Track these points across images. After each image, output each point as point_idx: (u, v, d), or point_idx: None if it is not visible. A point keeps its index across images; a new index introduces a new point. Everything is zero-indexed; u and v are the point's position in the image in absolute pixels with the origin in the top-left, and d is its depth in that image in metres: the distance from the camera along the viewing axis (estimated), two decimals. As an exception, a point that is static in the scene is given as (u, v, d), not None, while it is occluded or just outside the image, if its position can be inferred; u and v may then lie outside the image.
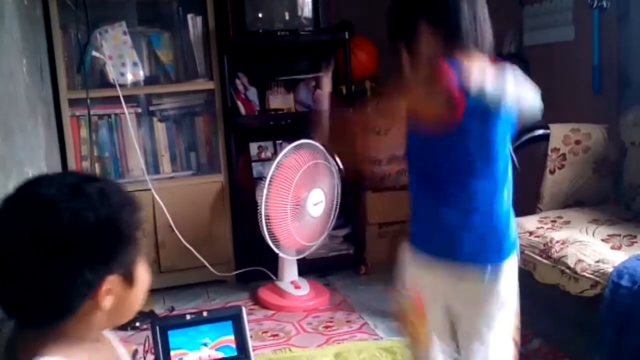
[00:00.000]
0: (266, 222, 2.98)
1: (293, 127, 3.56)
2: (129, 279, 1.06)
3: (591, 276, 2.09)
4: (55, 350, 1.01)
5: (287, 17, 3.31)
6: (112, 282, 1.01)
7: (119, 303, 1.05)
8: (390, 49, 1.65)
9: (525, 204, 2.61)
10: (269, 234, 3.01)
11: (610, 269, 2.05)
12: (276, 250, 3.08)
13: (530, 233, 2.45)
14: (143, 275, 1.10)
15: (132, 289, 1.07)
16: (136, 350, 2.95)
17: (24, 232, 0.96)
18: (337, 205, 3.21)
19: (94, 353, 1.07)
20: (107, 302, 1.02)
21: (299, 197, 3.02)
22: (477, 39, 1.54)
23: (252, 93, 3.48)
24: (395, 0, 1.64)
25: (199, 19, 3.31)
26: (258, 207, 2.97)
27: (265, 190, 2.96)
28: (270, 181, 2.97)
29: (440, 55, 1.52)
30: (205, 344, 2.22)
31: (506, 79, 1.47)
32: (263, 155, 3.54)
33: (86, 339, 1.07)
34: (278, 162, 2.99)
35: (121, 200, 1.05)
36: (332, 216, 3.21)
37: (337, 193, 3.20)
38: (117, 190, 1.06)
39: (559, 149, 2.74)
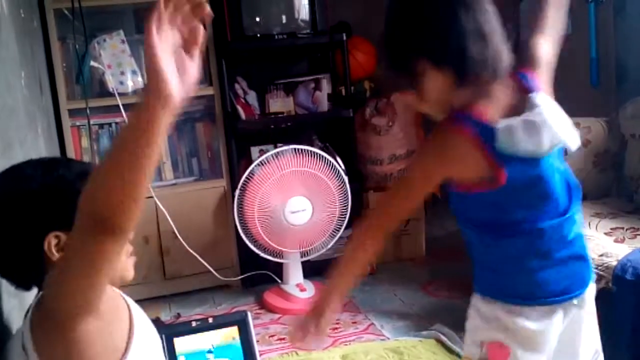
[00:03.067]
0: (243, 228, 3.06)
1: (293, 129, 3.57)
2: None
3: (595, 270, 2.09)
4: None
5: (284, 21, 3.32)
6: (59, 239, 1.16)
7: None
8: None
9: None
10: (249, 238, 3.08)
11: (614, 263, 2.05)
12: (260, 253, 3.12)
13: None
14: None
15: None
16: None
17: None
18: (339, 211, 3.13)
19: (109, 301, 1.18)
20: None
21: (274, 204, 3.03)
22: (493, 64, 1.27)
23: (252, 97, 3.48)
24: (387, 34, 1.34)
25: (196, 25, 3.30)
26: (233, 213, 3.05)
27: (236, 197, 3.02)
28: (243, 188, 3.02)
29: (452, 97, 1.29)
30: (211, 351, 2.23)
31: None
32: (264, 159, 3.55)
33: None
34: (251, 170, 3.02)
35: (70, 168, 1.23)
36: (332, 222, 3.14)
37: (338, 199, 3.11)
38: (64, 162, 1.29)
39: (559, 144, 2.73)
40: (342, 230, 3.17)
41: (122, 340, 1.20)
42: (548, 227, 1.34)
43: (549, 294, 1.36)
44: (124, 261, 1.26)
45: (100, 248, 0.98)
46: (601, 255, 2.12)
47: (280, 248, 3.10)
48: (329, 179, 3.08)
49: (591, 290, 1.44)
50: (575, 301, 1.39)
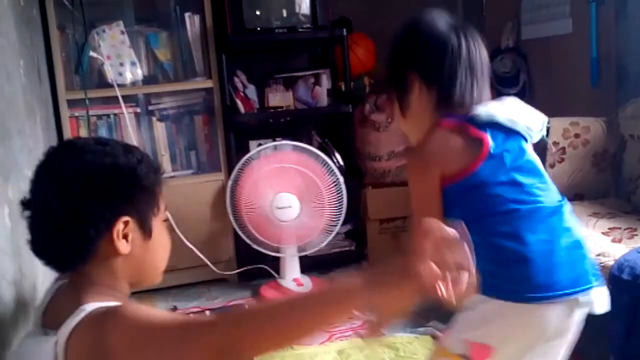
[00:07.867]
0: (236, 221, 3.13)
1: (292, 124, 3.56)
2: (145, 229, 1.13)
3: (591, 270, 2.09)
4: (91, 298, 1.05)
5: (284, 14, 3.31)
6: (126, 225, 1.09)
7: (136, 253, 1.12)
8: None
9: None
10: (243, 232, 3.13)
11: (611, 262, 2.05)
12: (257, 247, 3.15)
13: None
14: (161, 234, 1.19)
15: (149, 241, 1.15)
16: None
17: (51, 172, 1.11)
18: (334, 208, 3.10)
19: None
20: (122, 245, 1.09)
21: (263, 199, 3.05)
22: (473, 96, 1.39)
23: (251, 91, 3.47)
24: (392, 46, 1.48)
25: (196, 18, 3.30)
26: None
27: (229, 190, 3.09)
28: (236, 181, 3.09)
29: (431, 113, 1.39)
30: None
31: None
32: (263, 153, 3.54)
33: (117, 288, 1.12)
34: (243, 163, 3.07)
35: (143, 158, 1.15)
36: (322, 220, 3.10)
37: (329, 197, 3.08)
38: (141, 151, 1.17)
39: (558, 143, 2.73)
40: (338, 227, 3.15)
41: None
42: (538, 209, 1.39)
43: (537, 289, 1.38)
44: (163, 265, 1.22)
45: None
46: (598, 255, 2.12)
47: (269, 242, 3.12)
48: (321, 177, 3.05)
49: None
50: (580, 298, 1.40)
